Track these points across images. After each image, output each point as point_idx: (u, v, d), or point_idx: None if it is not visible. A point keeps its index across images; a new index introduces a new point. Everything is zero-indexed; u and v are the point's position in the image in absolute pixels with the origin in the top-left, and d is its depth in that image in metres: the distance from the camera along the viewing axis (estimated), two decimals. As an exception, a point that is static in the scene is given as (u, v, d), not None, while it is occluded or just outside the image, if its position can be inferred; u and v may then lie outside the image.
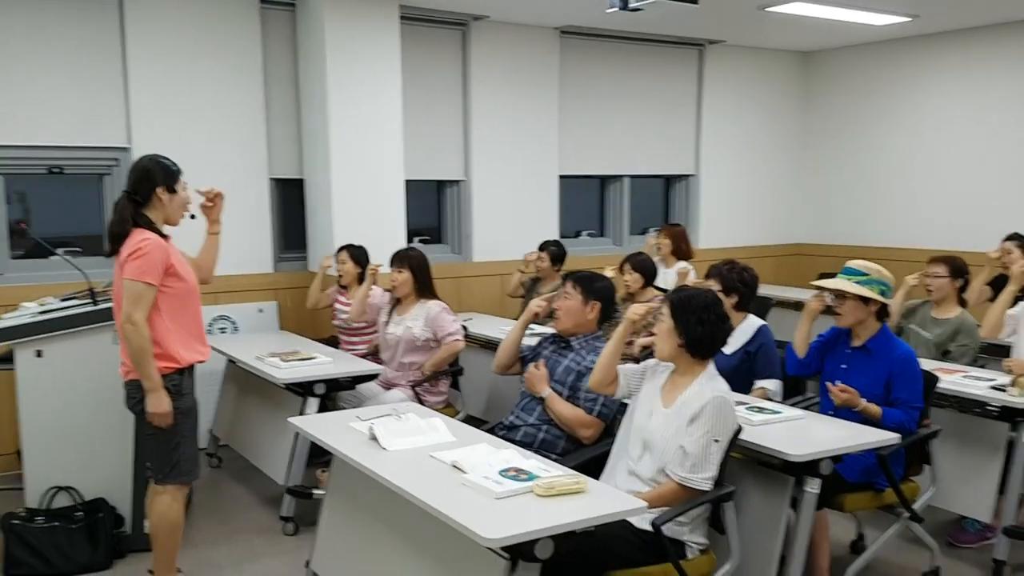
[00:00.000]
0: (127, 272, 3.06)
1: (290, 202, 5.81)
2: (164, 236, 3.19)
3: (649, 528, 2.64)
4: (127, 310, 3.06)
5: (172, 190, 3.20)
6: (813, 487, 2.91)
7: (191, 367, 3.25)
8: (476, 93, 6.28)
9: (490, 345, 5.04)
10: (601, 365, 3.13)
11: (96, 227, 5.22)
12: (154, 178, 3.17)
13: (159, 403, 3.10)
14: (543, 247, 5.82)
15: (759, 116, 7.79)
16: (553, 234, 6.57)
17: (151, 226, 3.16)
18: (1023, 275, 4.12)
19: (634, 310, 3.09)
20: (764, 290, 6.56)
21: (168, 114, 5.20)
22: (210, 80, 5.32)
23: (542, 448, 3.35)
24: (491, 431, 3.41)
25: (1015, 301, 4.40)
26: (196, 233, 3.51)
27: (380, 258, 4.94)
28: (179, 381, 3.18)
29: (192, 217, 3.37)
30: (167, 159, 3.25)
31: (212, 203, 3.47)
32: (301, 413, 4.01)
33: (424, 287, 4.58)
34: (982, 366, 4.32)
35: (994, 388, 3.65)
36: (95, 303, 3.82)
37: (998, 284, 4.34)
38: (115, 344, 3.36)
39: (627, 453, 2.95)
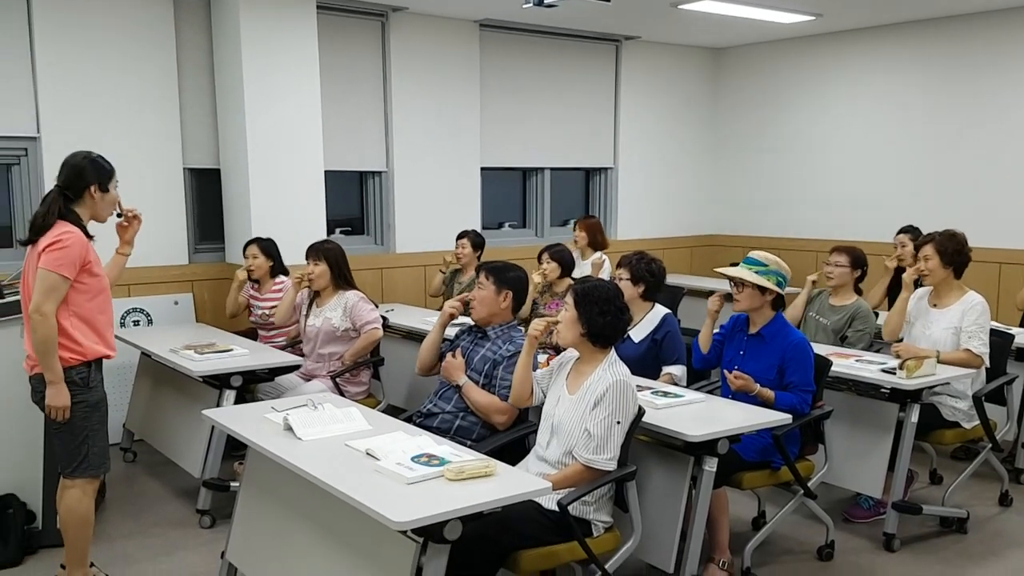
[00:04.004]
0: (44, 261, 3.03)
1: (207, 193, 5.74)
2: (89, 236, 3.17)
3: (556, 508, 2.73)
4: (37, 300, 3.02)
5: (105, 189, 3.21)
6: (711, 465, 3.06)
7: (99, 360, 3.22)
8: (397, 84, 6.28)
9: (412, 336, 5.08)
10: (516, 383, 3.24)
11: (3, 219, 5.07)
12: (87, 177, 3.16)
13: (58, 396, 3.09)
14: (462, 236, 5.87)
15: (674, 110, 7.97)
16: (476, 225, 6.62)
17: (79, 222, 3.15)
18: (912, 283, 4.35)
19: (534, 326, 3.14)
20: (678, 280, 6.82)
21: (78, 103, 5.08)
22: (121, 68, 5.21)
23: (458, 435, 3.43)
24: (408, 419, 3.48)
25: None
26: (110, 237, 3.48)
27: (300, 248, 4.75)
28: (86, 373, 3.16)
29: (119, 216, 3.38)
30: (102, 158, 3.24)
31: (128, 224, 3.45)
32: (217, 406, 4.00)
33: (341, 278, 4.59)
34: (877, 350, 4.55)
35: (884, 371, 3.85)
36: (1, 296, 3.74)
37: (894, 291, 4.59)
38: (22, 338, 3.31)
39: (536, 440, 3.05)
